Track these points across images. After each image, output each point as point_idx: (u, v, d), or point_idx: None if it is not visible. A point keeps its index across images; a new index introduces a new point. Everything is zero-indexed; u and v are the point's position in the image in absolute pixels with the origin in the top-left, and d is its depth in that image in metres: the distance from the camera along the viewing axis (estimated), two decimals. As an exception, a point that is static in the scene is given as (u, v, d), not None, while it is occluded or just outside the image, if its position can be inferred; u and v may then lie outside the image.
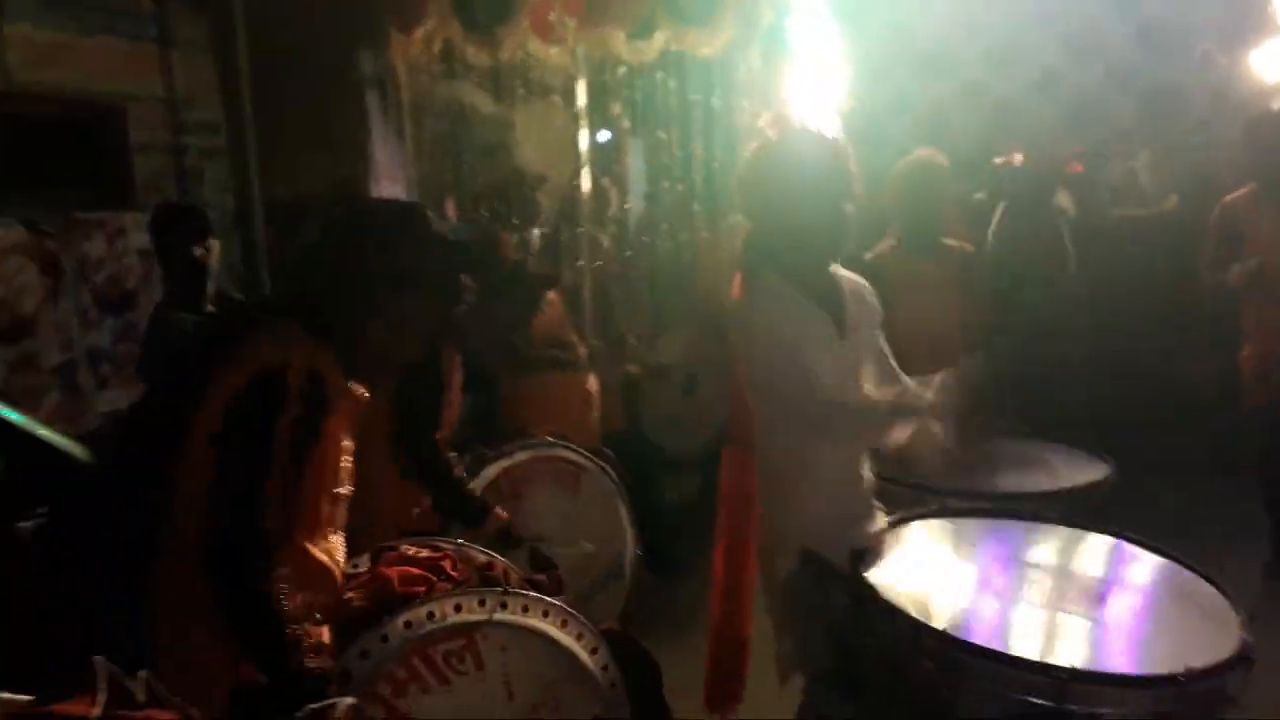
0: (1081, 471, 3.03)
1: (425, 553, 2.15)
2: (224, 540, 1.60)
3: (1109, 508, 2.84)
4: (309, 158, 5.28)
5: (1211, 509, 4.24)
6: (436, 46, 4.22)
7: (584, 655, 2.04)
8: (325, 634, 1.78)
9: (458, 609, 1.93)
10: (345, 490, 1.84)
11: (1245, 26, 5.18)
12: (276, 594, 1.62)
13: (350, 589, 1.98)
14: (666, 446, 4.25)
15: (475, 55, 4.43)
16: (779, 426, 2.35)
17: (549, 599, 2.04)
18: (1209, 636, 1.89)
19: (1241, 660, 1.81)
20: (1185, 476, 4.52)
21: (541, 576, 2.31)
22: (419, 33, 4.18)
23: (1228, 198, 3.92)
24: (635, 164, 5.89)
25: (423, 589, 2.00)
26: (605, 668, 2.07)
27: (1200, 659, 1.78)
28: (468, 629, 1.93)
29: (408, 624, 1.89)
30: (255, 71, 4.94)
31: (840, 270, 2.51)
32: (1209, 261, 3.92)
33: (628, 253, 4.80)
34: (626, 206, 5.28)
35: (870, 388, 2.48)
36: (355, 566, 2.06)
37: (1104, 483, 2.94)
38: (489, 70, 5.08)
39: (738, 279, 2.57)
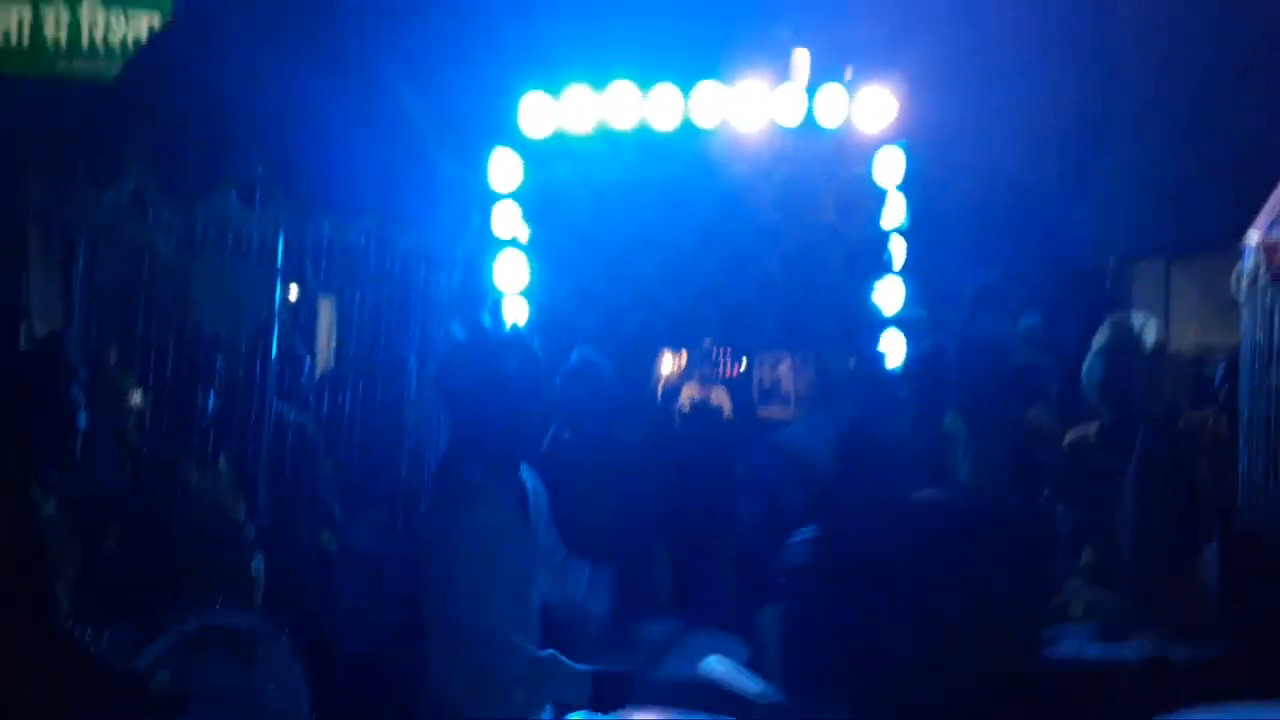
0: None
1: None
2: None
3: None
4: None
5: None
6: (126, 199, 4.13)
7: None
8: None
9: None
10: None
11: (863, 261, 6.24)
12: None
13: None
14: (346, 642, 4.17)
15: (168, 209, 4.36)
16: (446, 631, 2.48)
17: None
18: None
19: None
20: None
21: None
22: (111, 189, 4.09)
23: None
24: (330, 329, 5.90)
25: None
26: None
27: None
28: None
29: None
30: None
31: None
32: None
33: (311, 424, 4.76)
34: (320, 372, 5.28)
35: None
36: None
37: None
38: (181, 221, 4.99)
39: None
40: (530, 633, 2.62)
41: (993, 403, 4.71)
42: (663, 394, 5.95)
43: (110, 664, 2.77)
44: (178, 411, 4.11)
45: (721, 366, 6.24)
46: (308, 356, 4.99)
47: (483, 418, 2.64)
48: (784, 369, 6.46)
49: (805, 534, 2.66)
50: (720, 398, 5.90)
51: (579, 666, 2.45)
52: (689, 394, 5.90)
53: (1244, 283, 4.16)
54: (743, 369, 6.31)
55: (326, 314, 6.14)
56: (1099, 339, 3.80)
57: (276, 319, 4.46)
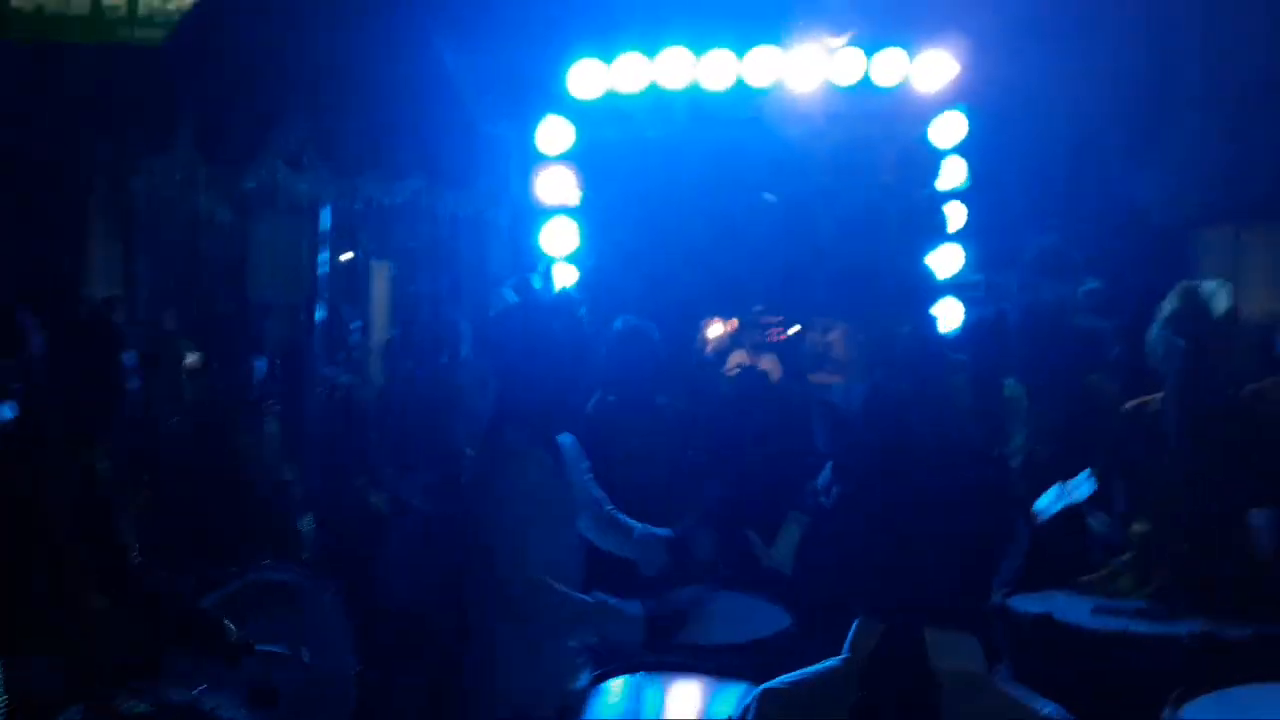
0: (766, 622, 3.35)
1: (141, 709, 2.09)
2: None
3: (789, 659, 3.13)
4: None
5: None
6: (179, 171, 4.18)
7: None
8: None
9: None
10: None
11: (919, 223, 6.11)
12: None
13: None
14: (398, 593, 4.22)
15: (219, 179, 4.40)
16: (492, 586, 2.50)
17: None
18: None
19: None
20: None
21: None
22: (162, 157, 4.15)
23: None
24: (384, 294, 5.94)
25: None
26: None
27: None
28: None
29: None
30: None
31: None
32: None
33: (365, 383, 4.82)
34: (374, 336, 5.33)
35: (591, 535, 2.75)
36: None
37: (786, 634, 3.27)
38: (232, 188, 5.05)
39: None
40: (574, 584, 2.63)
41: (1052, 369, 4.58)
42: (710, 359, 5.89)
43: (187, 605, 2.82)
44: (229, 374, 4.18)
45: (771, 332, 6.16)
46: (358, 321, 5.03)
47: (528, 381, 2.65)
48: (835, 335, 6.36)
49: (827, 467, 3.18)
50: (769, 364, 5.83)
51: (627, 608, 2.48)
52: (737, 360, 5.84)
53: None
54: (793, 334, 6.22)
55: (381, 279, 6.18)
56: (1167, 306, 3.64)
57: (324, 284, 4.49)
